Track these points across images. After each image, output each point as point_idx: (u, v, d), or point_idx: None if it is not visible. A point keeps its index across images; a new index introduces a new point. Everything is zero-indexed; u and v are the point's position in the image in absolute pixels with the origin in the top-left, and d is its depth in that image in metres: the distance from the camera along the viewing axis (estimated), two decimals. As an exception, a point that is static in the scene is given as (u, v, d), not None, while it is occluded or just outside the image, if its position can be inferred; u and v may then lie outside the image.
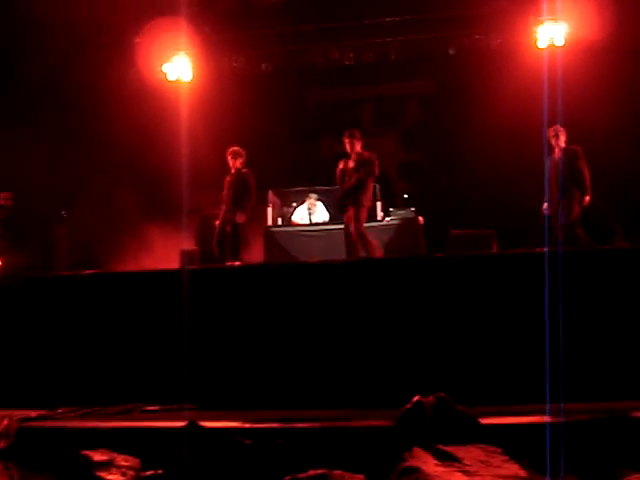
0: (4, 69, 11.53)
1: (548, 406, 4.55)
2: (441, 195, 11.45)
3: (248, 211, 9.07)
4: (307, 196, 11.33)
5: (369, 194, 8.99)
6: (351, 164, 8.83)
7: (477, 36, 12.56)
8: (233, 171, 9.11)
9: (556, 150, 9.31)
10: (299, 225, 10.89)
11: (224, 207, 9.10)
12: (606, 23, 11.14)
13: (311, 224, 10.98)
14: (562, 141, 9.29)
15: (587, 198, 8.97)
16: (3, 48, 11.40)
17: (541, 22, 11.84)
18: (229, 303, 5.87)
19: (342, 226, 10.52)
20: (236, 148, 9.20)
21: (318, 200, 11.28)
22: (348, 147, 8.98)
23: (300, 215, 11.29)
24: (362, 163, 8.78)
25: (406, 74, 13.20)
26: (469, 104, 12.29)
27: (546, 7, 11.60)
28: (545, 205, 9.19)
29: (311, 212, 11.26)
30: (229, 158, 9.15)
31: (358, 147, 8.97)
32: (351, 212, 8.83)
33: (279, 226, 11.03)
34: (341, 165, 8.99)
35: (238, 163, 9.08)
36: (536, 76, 10.66)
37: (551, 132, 9.32)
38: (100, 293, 6.14)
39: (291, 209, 10.86)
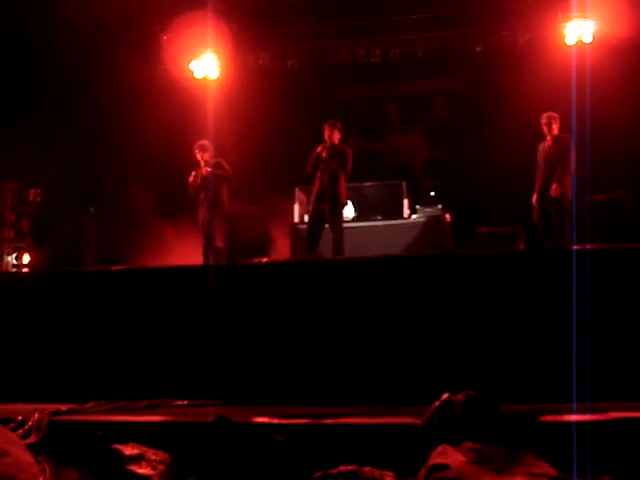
0: (34, 66, 11.63)
1: (575, 405, 4.54)
2: (468, 192, 11.39)
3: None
4: None
5: (344, 190, 8.95)
6: (324, 154, 8.76)
7: (504, 33, 12.48)
8: (202, 164, 8.99)
9: (548, 138, 9.15)
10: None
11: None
12: (635, 20, 11.04)
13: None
14: (555, 129, 9.07)
15: (554, 187, 8.78)
16: (33, 46, 11.51)
17: (569, 19, 11.76)
18: (255, 299, 5.89)
19: (368, 223, 10.60)
20: (204, 142, 9.09)
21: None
22: (327, 135, 8.96)
23: None
24: (336, 155, 8.75)
25: (433, 71, 13.15)
26: (496, 101, 12.22)
27: (575, 4, 11.51)
28: (535, 197, 9.05)
29: None
30: (197, 152, 9.03)
31: (336, 139, 8.96)
32: (327, 208, 8.77)
33: (305, 223, 11.03)
34: (318, 149, 8.94)
35: (207, 156, 8.98)
36: (564, 73, 10.58)
37: (544, 119, 9.12)
38: (128, 288, 6.17)
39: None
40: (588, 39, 11.72)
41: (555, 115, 9.02)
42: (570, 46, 11.79)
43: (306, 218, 11.28)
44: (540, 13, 12.08)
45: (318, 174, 8.74)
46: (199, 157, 8.91)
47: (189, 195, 8.93)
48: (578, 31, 11.76)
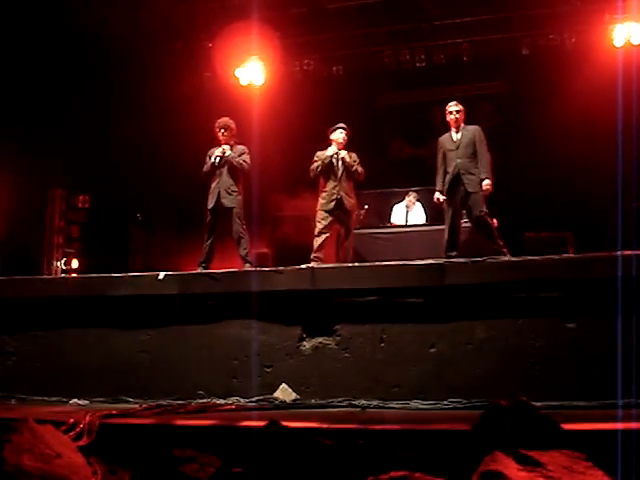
0: (82, 77, 11.84)
1: (620, 411, 4.46)
2: (515, 197, 11.27)
3: None
4: (407, 194, 11.31)
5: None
6: (346, 158, 8.33)
7: (551, 35, 12.36)
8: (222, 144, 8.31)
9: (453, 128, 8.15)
10: (371, 228, 10.89)
11: None
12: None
13: (383, 226, 11.00)
14: (462, 120, 8.08)
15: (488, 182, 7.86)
16: (82, 57, 11.72)
17: (617, 20, 11.60)
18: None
19: (412, 229, 10.54)
20: (227, 120, 8.44)
21: (418, 200, 11.25)
22: (344, 139, 8.50)
23: (397, 214, 11.30)
24: (353, 159, 8.38)
25: (478, 75, 13.06)
26: (542, 105, 12.10)
27: (622, 5, 11.35)
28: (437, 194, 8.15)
29: (409, 210, 11.25)
30: (217, 130, 8.37)
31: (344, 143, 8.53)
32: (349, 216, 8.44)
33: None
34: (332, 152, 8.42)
35: (228, 136, 8.32)
36: (611, 76, 10.45)
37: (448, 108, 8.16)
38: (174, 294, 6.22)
39: (363, 211, 10.85)
40: (636, 41, 11.55)
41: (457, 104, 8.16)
42: (617, 48, 11.63)
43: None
44: (587, 15, 11.93)
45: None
46: (220, 136, 8.29)
47: (203, 176, 8.33)
48: (626, 33, 11.61)
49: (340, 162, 8.33)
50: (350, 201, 8.40)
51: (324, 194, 8.26)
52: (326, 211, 8.20)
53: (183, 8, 12.54)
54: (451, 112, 8.02)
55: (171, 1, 12.49)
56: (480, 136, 7.95)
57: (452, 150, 7.95)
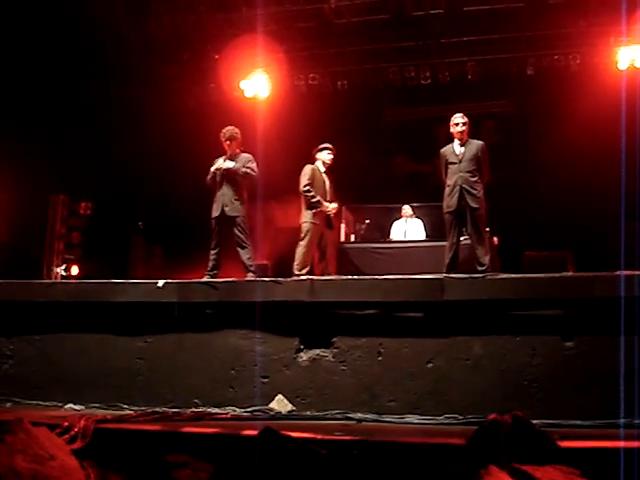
0: (86, 83, 11.89)
1: (622, 430, 4.46)
2: (516, 216, 11.29)
3: None
4: (400, 209, 11.36)
5: None
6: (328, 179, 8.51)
7: (556, 56, 12.41)
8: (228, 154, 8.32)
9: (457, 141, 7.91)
10: (371, 242, 10.93)
11: None
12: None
13: (383, 241, 11.03)
14: (466, 133, 7.86)
15: None
16: (85, 63, 11.76)
17: (622, 43, 11.67)
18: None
19: (412, 244, 10.56)
20: (233, 129, 8.41)
21: (415, 216, 11.28)
22: (331, 160, 8.58)
23: (397, 230, 11.35)
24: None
25: (483, 94, 13.11)
26: (547, 124, 12.16)
27: (626, 28, 11.42)
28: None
29: (407, 225, 11.29)
30: (223, 140, 8.33)
31: None
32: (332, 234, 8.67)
33: (352, 242, 11.08)
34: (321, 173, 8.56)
35: (234, 146, 8.28)
36: (615, 98, 10.49)
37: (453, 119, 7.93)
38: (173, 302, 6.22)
39: (364, 225, 10.89)
40: (640, 64, 11.63)
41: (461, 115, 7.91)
42: (622, 70, 11.70)
43: (352, 238, 11.33)
44: (592, 37, 11.99)
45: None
46: (226, 146, 8.29)
47: (206, 186, 8.27)
48: (630, 56, 11.68)
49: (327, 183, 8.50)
50: (334, 219, 8.60)
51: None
52: (315, 224, 8.24)
53: (191, 20, 12.59)
54: (457, 124, 7.82)
55: (179, 12, 12.55)
56: (485, 153, 7.82)
57: (455, 163, 7.76)
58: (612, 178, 9.85)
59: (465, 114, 7.88)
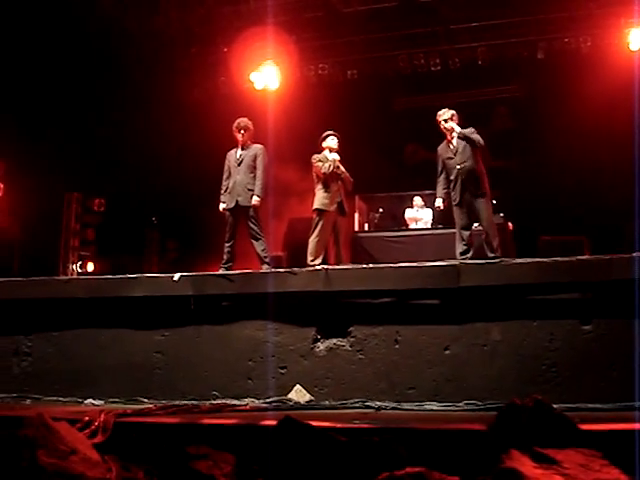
0: (98, 81, 11.91)
1: (638, 413, 4.43)
2: (530, 200, 11.25)
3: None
4: (412, 199, 11.38)
5: None
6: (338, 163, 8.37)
7: (567, 39, 12.33)
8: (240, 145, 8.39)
9: (448, 137, 8.09)
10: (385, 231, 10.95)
11: None
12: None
13: (397, 229, 11.04)
14: (450, 129, 8.00)
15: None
16: (100, 57, 11.79)
17: (633, 25, 11.57)
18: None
19: (426, 232, 10.56)
20: (245, 120, 8.46)
21: (427, 206, 11.28)
22: (336, 144, 8.51)
23: (410, 213, 11.44)
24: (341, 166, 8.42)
25: (494, 79, 13.06)
26: (559, 108, 12.08)
27: (637, 9, 11.32)
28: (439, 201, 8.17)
29: (417, 214, 11.30)
30: (236, 131, 8.39)
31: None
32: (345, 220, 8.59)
33: (365, 232, 11.08)
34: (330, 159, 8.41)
35: (247, 136, 8.35)
36: (627, 79, 10.42)
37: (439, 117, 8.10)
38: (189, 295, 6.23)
39: (377, 214, 10.88)
40: (652, 44, 11.54)
41: (452, 111, 8.13)
42: (633, 52, 11.60)
43: (366, 227, 11.32)
44: (603, 19, 11.91)
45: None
46: (239, 137, 8.34)
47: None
48: (642, 36, 11.59)
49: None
50: (346, 206, 8.53)
51: (326, 194, 8.24)
52: (327, 211, 8.19)
53: (199, 13, 12.60)
54: (439, 122, 8.05)
55: (187, 6, 12.55)
56: (478, 140, 7.90)
57: (451, 158, 7.97)
58: (626, 160, 9.81)
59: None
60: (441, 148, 8.12)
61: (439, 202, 8.13)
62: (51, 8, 10.86)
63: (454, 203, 7.97)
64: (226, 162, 8.43)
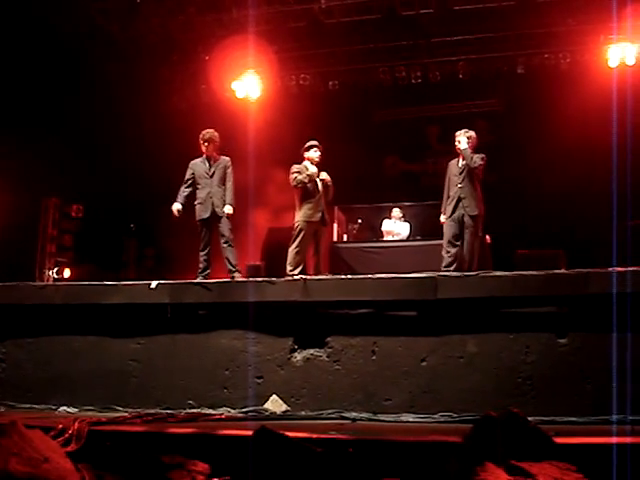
0: (77, 84, 11.84)
1: (615, 426, 4.47)
2: (508, 214, 11.32)
3: None
4: (391, 210, 11.41)
5: None
6: (319, 174, 8.33)
7: (546, 55, 12.46)
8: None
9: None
10: (363, 242, 10.98)
11: None
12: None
13: (376, 240, 11.07)
14: (471, 146, 8.22)
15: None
16: (75, 64, 11.73)
17: (612, 41, 11.71)
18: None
19: (405, 244, 10.60)
20: (211, 132, 8.37)
21: (404, 220, 11.32)
22: (319, 157, 8.44)
23: (387, 225, 11.38)
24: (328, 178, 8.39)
25: (473, 93, 13.16)
26: (537, 123, 12.19)
27: (616, 26, 11.46)
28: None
29: (395, 226, 11.33)
30: (202, 143, 8.33)
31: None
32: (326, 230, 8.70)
33: (344, 242, 11.09)
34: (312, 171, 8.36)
35: (211, 148, 8.27)
36: (606, 96, 10.52)
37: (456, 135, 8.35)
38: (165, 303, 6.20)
39: (356, 225, 10.91)
40: (631, 61, 11.67)
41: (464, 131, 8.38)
42: (612, 68, 11.74)
43: (345, 237, 11.34)
44: (582, 35, 12.05)
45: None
46: (204, 149, 8.29)
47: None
48: (621, 54, 11.72)
49: (319, 181, 8.36)
50: (327, 216, 8.53)
51: (310, 205, 8.23)
52: (310, 222, 8.18)
53: (180, 21, 12.56)
54: (454, 141, 8.29)
55: (168, 14, 12.51)
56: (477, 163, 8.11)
57: (456, 175, 8.25)
58: (603, 176, 9.89)
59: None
60: (451, 164, 8.41)
61: (444, 218, 8.34)
62: (31, 15, 10.79)
63: (445, 216, 8.24)
64: (189, 171, 8.37)
